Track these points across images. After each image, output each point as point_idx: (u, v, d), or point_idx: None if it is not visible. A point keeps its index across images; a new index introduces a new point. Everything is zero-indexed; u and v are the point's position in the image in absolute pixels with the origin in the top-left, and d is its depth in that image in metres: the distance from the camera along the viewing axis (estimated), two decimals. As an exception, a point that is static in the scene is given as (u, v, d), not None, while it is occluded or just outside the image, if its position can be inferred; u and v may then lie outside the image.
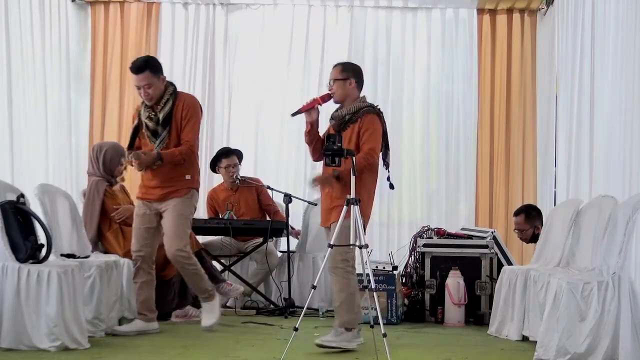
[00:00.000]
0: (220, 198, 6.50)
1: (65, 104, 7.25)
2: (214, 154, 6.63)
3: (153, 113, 4.79)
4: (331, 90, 4.52)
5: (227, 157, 6.44)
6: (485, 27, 7.56)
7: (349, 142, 4.35)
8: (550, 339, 4.12)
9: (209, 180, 7.45)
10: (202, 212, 7.33)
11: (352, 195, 4.13)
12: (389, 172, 4.50)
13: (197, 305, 5.54)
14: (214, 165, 6.51)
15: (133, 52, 7.53)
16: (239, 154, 6.48)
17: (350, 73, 4.55)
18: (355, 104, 4.47)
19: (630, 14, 5.18)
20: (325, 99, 4.52)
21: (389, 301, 5.61)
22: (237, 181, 6.41)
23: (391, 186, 4.44)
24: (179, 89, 7.47)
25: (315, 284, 4.20)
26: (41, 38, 6.85)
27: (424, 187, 7.58)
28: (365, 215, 4.38)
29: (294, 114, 4.46)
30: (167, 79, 7.59)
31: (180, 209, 4.76)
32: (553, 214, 5.44)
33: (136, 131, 4.85)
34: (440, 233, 6.08)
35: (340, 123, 4.45)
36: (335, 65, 4.60)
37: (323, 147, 4.31)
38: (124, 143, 7.32)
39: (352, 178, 4.15)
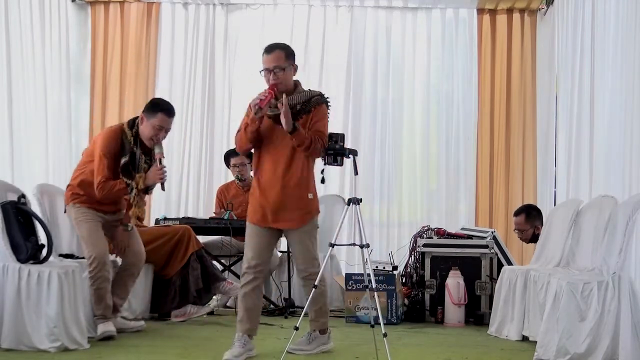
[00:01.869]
0: (230, 195, 6.52)
1: (65, 104, 7.26)
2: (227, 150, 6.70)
3: (149, 159, 4.75)
4: (276, 79, 4.09)
5: (235, 155, 6.46)
6: (485, 27, 7.57)
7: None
8: (550, 339, 4.12)
9: (209, 180, 7.46)
10: (202, 210, 7.36)
11: (355, 195, 4.14)
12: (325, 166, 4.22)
13: (197, 303, 5.55)
14: (228, 162, 6.55)
15: (133, 52, 7.56)
16: (248, 155, 6.47)
17: (293, 58, 4.18)
18: (304, 92, 4.17)
19: (630, 14, 5.19)
20: (273, 89, 4.09)
21: (389, 301, 5.61)
22: (239, 181, 6.43)
23: (322, 180, 4.19)
24: (179, 89, 7.60)
25: (316, 284, 4.20)
26: (41, 38, 6.86)
27: (424, 187, 7.58)
28: (317, 210, 4.26)
29: (259, 114, 4.02)
30: (167, 79, 7.69)
31: None
32: (553, 214, 5.45)
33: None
34: (440, 233, 6.08)
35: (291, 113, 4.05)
36: (273, 50, 4.13)
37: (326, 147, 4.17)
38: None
39: (355, 178, 4.16)
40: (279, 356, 4.06)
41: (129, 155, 4.63)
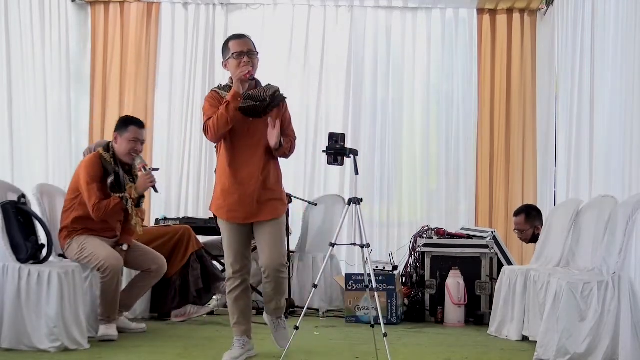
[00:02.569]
0: None
1: (65, 104, 7.25)
2: None
3: (131, 178, 4.87)
4: (250, 63, 4.01)
5: None
6: (485, 27, 7.56)
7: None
8: (550, 339, 4.12)
9: (209, 180, 7.46)
10: (202, 210, 7.36)
11: (355, 194, 4.14)
12: None
13: (197, 303, 5.56)
14: None
15: (133, 52, 7.55)
16: None
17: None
18: (266, 86, 4.12)
19: (630, 14, 5.19)
20: (250, 71, 4.00)
21: (389, 301, 5.61)
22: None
23: None
24: (179, 88, 7.60)
25: (316, 283, 4.21)
26: (41, 38, 6.85)
27: (424, 187, 7.57)
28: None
29: (247, 82, 3.97)
30: (167, 79, 7.69)
31: None
32: (553, 214, 5.45)
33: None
34: (440, 233, 6.08)
35: (261, 106, 4.02)
36: (244, 37, 4.10)
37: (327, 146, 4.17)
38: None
39: (355, 178, 4.17)
40: (278, 356, 4.06)
41: (113, 174, 4.75)
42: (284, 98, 4.14)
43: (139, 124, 4.91)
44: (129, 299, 4.99)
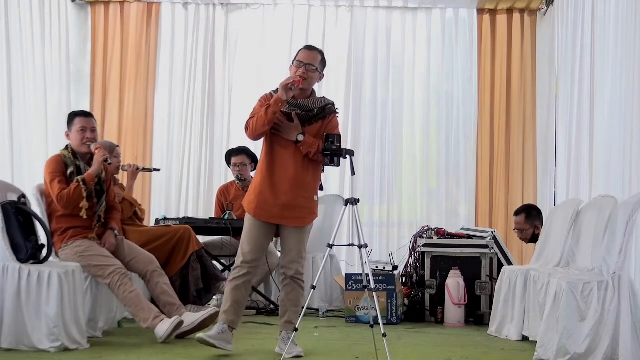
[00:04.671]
0: (230, 196, 6.52)
1: (65, 104, 7.24)
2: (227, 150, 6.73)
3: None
4: (305, 74, 4.15)
5: (236, 155, 6.47)
6: (485, 27, 7.56)
7: (315, 138, 4.20)
8: (550, 339, 4.13)
9: (209, 180, 7.46)
10: (202, 210, 7.36)
11: (352, 195, 4.15)
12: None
13: (197, 303, 5.56)
14: (229, 160, 6.56)
15: (133, 52, 7.55)
16: (250, 155, 6.47)
17: (324, 67, 4.30)
18: (320, 98, 4.28)
19: (630, 14, 5.19)
20: (300, 80, 4.12)
21: (389, 301, 5.61)
22: (238, 181, 6.43)
23: (321, 187, 4.41)
24: (179, 88, 7.60)
25: (314, 284, 4.21)
26: (41, 38, 6.85)
27: (424, 187, 7.57)
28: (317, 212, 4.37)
29: (293, 91, 4.08)
30: (167, 79, 7.68)
31: None
32: (553, 214, 5.45)
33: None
34: (440, 233, 6.08)
35: (306, 116, 4.21)
36: (313, 50, 4.28)
37: (322, 147, 4.19)
38: (123, 142, 7.39)
39: (352, 178, 4.17)
40: (278, 357, 4.06)
41: (74, 166, 4.76)
42: (334, 111, 4.30)
43: (83, 113, 5.01)
44: (173, 297, 4.89)
